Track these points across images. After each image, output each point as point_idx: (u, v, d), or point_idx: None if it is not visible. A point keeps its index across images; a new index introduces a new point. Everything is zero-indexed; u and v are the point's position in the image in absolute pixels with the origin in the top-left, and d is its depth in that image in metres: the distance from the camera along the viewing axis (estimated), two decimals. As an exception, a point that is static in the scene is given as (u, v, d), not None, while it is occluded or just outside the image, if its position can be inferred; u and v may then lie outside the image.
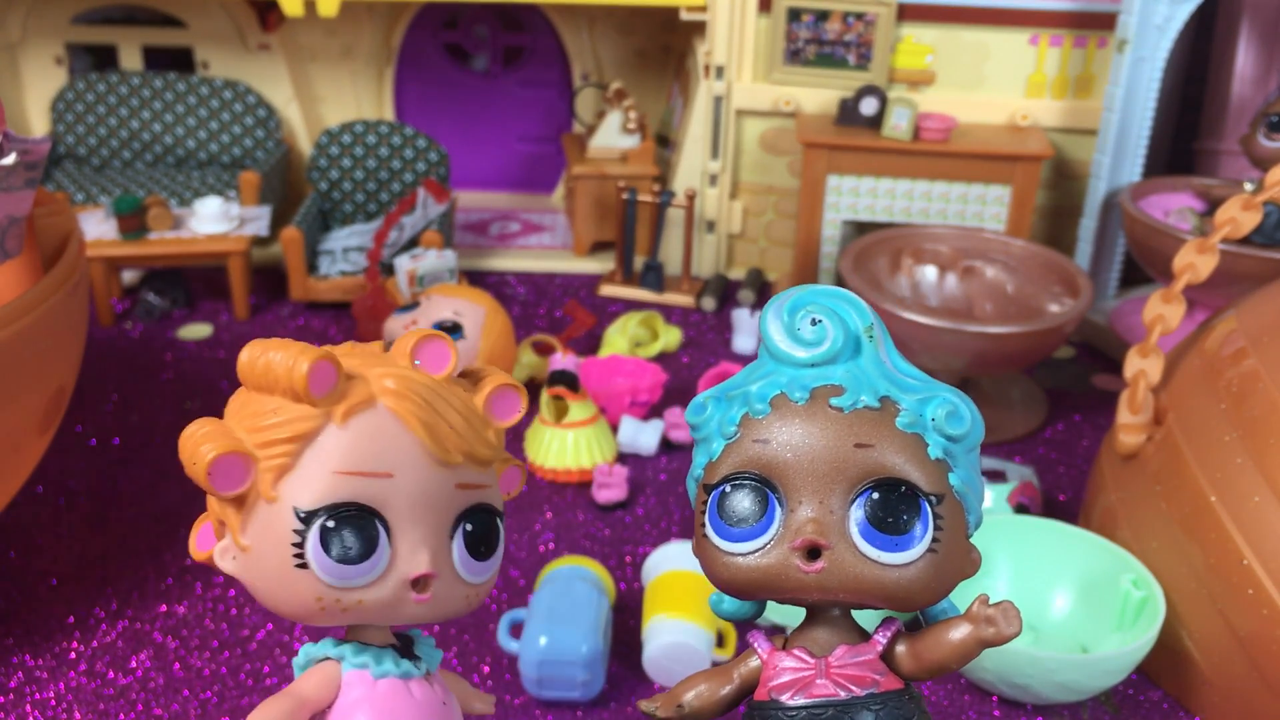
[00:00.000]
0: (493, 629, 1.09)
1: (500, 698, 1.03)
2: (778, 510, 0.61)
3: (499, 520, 0.64)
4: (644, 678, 1.05)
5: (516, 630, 1.07)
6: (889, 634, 0.64)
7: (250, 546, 0.59)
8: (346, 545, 0.58)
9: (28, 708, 1.00)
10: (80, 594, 1.14)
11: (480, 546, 0.62)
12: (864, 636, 0.65)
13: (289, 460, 0.58)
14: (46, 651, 1.07)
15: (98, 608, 1.12)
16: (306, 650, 0.64)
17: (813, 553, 0.60)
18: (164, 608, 1.12)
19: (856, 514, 0.60)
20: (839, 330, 0.62)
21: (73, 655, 1.06)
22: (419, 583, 0.60)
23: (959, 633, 0.62)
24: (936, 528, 0.60)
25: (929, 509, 0.60)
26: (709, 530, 0.63)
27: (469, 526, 0.62)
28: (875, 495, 0.60)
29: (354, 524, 0.58)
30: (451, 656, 1.07)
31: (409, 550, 0.60)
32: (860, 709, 0.62)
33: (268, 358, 0.58)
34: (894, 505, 0.60)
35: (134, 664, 1.06)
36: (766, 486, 0.61)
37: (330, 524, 0.57)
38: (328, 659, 0.62)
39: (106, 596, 1.14)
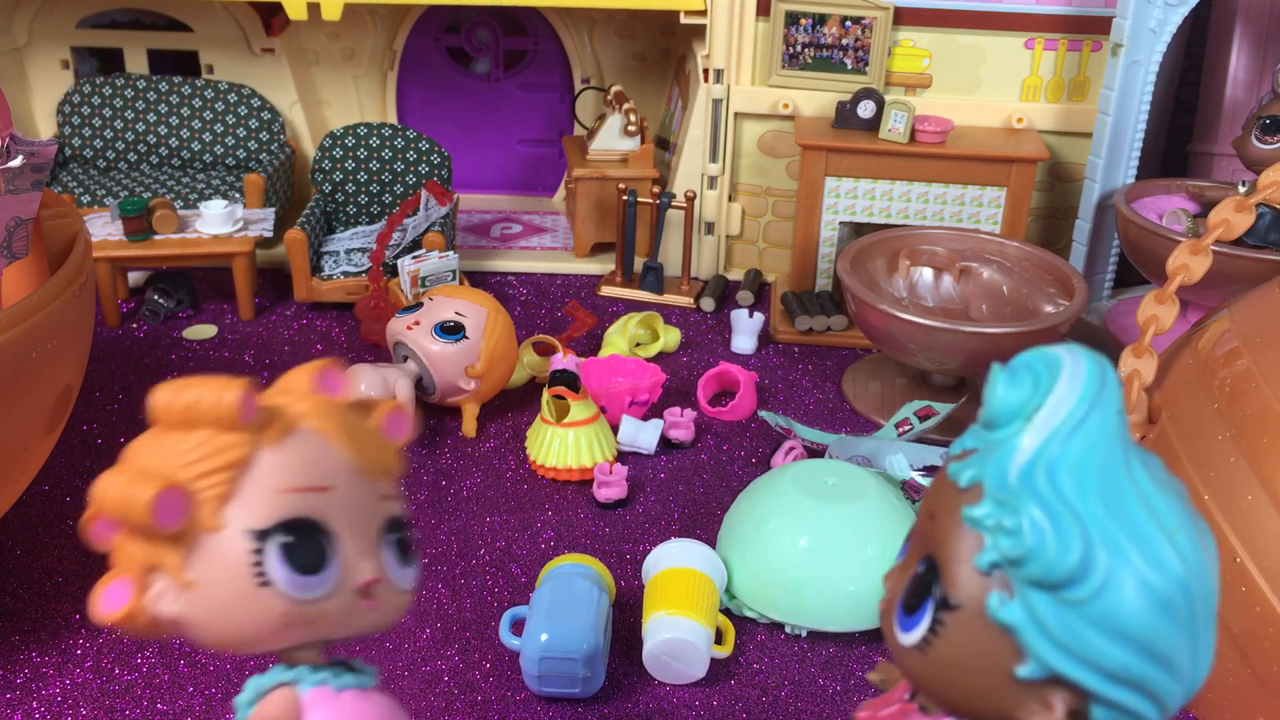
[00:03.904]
0: (494, 626, 1.11)
1: (502, 694, 1.04)
2: None
3: (409, 531, 0.66)
4: (644, 674, 1.06)
5: (518, 627, 1.08)
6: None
7: (198, 580, 0.59)
8: (306, 555, 0.59)
9: (34, 704, 1.02)
10: (86, 591, 1.14)
11: (405, 554, 0.64)
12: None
13: (228, 487, 0.58)
14: (53, 648, 1.08)
15: (104, 605, 1.13)
16: (254, 683, 0.63)
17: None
18: (169, 605, 1.13)
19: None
20: (1015, 393, 0.51)
21: (79, 652, 1.08)
22: (367, 589, 0.61)
23: None
24: (932, 630, 0.53)
25: (931, 605, 0.53)
26: None
27: (392, 535, 0.64)
28: (920, 570, 0.55)
29: (308, 536, 0.59)
30: (454, 654, 1.08)
31: (354, 559, 0.61)
32: None
33: (188, 393, 0.58)
34: (915, 583, 0.55)
35: (139, 660, 1.07)
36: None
37: (287, 538, 0.58)
38: (281, 684, 0.62)
39: (113, 594, 1.15)
